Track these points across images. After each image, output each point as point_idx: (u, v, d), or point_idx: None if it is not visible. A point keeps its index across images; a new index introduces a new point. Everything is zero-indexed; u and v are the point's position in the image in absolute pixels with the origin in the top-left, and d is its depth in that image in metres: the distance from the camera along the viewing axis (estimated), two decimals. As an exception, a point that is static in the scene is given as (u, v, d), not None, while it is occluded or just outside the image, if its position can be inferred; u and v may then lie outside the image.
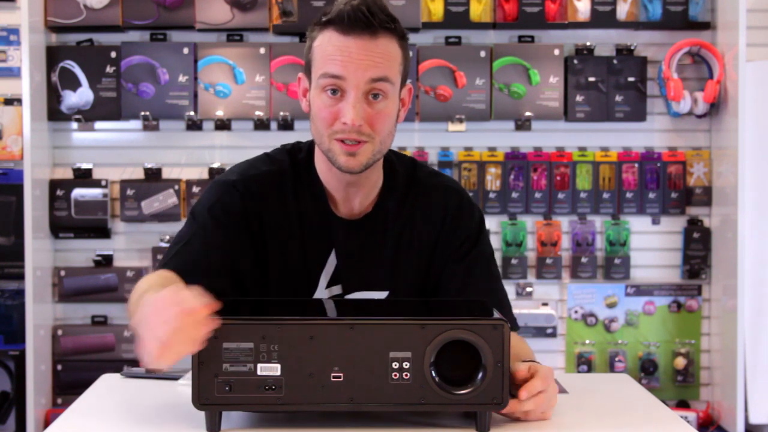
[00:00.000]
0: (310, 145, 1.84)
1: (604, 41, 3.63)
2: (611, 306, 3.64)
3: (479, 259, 1.85)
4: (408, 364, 1.45)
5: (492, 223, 3.61)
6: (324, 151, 1.73)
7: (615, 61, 3.59)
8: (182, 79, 3.52)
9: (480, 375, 1.45)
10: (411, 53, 3.52)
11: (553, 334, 3.61)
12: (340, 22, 1.67)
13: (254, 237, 1.77)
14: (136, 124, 3.57)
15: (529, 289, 3.62)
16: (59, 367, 3.54)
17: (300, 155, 1.83)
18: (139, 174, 3.58)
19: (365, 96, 1.68)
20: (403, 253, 1.83)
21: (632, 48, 3.61)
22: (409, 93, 1.80)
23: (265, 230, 1.77)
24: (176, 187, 3.55)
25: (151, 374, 1.88)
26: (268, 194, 1.78)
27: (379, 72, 1.68)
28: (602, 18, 3.55)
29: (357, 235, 1.81)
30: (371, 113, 1.68)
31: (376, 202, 1.82)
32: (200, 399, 1.45)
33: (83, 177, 3.56)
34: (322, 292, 1.82)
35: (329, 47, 1.68)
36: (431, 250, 1.84)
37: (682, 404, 3.63)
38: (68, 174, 3.57)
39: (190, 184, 3.55)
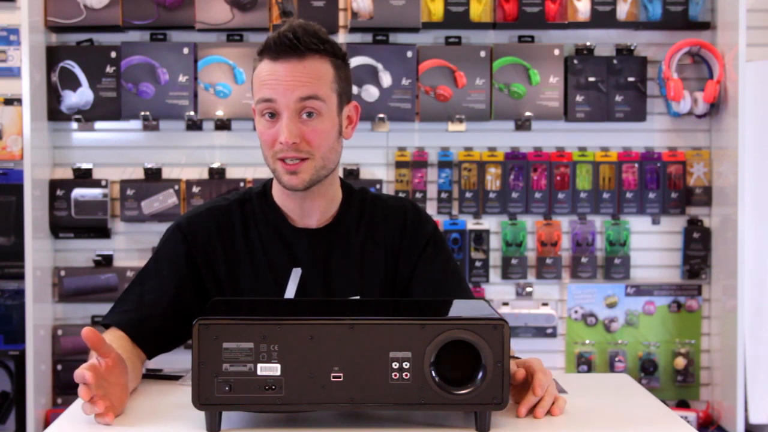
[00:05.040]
0: (266, 181, 1.96)
1: (604, 41, 3.63)
2: (611, 306, 3.64)
3: (447, 260, 1.97)
4: (408, 364, 1.45)
5: (492, 223, 3.62)
6: (272, 172, 1.84)
7: (615, 61, 3.59)
8: (182, 79, 3.52)
9: (480, 375, 1.46)
10: (410, 54, 3.53)
11: (553, 334, 3.61)
12: (269, 50, 1.79)
13: (202, 268, 1.89)
14: (136, 124, 3.57)
15: (529, 289, 3.62)
16: (59, 367, 3.54)
17: (253, 190, 1.96)
18: (139, 174, 3.58)
19: (298, 115, 1.78)
20: (368, 259, 1.92)
21: (632, 48, 3.61)
22: (356, 110, 1.91)
23: (214, 259, 1.89)
24: (176, 187, 3.55)
25: (152, 374, 1.88)
26: (212, 228, 1.90)
27: (307, 91, 1.77)
28: (602, 18, 3.55)
29: (320, 243, 1.90)
30: (306, 131, 1.79)
31: (336, 215, 1.92)
32: (200, 399, 1.45)
33: (83, 177, 3.56)
34: None
35: (262, 74, 1.80)
36: (396, 255, 1.94)
37: (682, 404, 3.63)
38: (68, 174, 3.57)
39: (190, 184, 3.55)
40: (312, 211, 1.90)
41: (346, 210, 1.93)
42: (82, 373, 1.50)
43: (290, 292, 1.86)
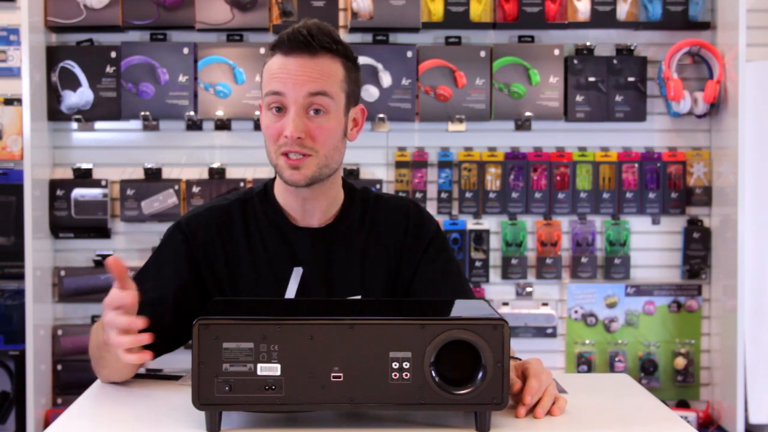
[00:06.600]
0: (268, 181, 1.96)
1: (604, 41, 3.63)
2: (611, 306, 3.64)
3: (449, 261, 1.97)
4: (408, 364, 1.45)
5: (492, 223, 3.62)
6: (274, 167, 1.84)
7: (615, 61, 3.59)
8: (182, 79, 3.52)
9: (480, 375, 1.46)
10: (410, 54, 3.53)
11: (553, 334, 3.61)
12: (282, 45, 1.80)
13: (202, 267, 1.89)
14: (136, 124, 3.57)
15: (529, 289, 3.62)
16: (59, 367, 3.54)
17: (254, 189, 1.96)
18: (139, 174, 3.59)
19: (305, 111, 1.79)
20: (369, 259, 1.92)
21: (632, 48, 3.61)
22: (362, 113, 1.91)
23: (214, 258, 1.89)
24: (176, 187, 3.55)
25: (152, 374, 1.88)
26: (212, 227, 1.90)
27: (317, 87, 1.78)
28: (602, 18, 3.55)
29: (322, 243, 1.90)
30: (312, 127, 1.79)
31: (338, 215, 1.92)
32: (200, 399, 1.45)
33: (83, 177, 3.56)
34: None
35: (273, 68, 1.80)
36: (398, 255, 1.94)
37: (682, 404, 3.63)
38: (68, 174, 3.57)
39: (190, 184, 3.55)
40: (314, 210, 1.90)
41: (348, 210, 1.93)
42: (120, 295, 1.56)
43: (291, 292, 1.86)
